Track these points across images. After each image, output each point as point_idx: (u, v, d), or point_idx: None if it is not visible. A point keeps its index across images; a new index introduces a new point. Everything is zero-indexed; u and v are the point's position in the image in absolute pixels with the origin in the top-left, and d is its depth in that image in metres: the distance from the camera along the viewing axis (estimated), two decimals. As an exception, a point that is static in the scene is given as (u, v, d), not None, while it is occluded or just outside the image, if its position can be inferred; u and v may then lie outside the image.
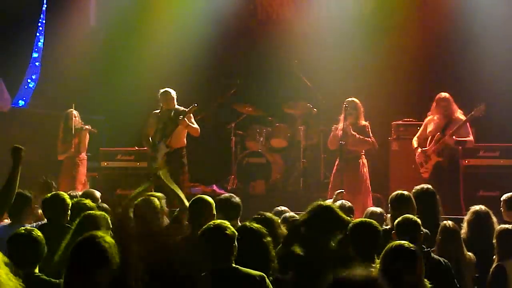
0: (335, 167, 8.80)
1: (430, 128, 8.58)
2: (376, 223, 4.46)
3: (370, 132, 8.74)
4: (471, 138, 8.45)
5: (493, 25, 10.37)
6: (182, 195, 5.62)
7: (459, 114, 8.43)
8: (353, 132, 8.62)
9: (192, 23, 11.57)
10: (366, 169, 8.74)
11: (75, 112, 9.48)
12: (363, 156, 8.77)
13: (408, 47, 10.83)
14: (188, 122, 8.66)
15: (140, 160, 10.12)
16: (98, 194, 6.60)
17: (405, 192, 5.75)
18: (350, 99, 8.82)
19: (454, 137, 8.31)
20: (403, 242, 3.83)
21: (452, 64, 10.82)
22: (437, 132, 8.46)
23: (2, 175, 6.22)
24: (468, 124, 8.40)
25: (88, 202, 5.41)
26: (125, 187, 10.09)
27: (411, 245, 3.80)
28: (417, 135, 8.77)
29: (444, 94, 8.53)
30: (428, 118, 8.67)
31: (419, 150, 8.59)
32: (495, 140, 9.23)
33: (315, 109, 9.07)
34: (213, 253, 3.96)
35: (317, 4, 11.79)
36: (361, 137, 8.64)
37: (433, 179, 8.25)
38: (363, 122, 8.79)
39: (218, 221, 4.19)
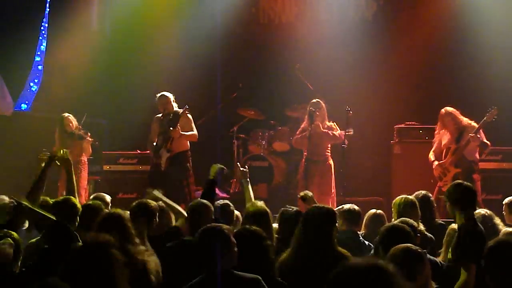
0: (301, 168, 9.16)
1: (444, 141, 8.51)
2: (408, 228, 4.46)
3: (338, 128, 9.09)
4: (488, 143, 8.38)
5: (498, 29, 10.36)
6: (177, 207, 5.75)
7: (468, 121, 8.36)
8: (324, 130, 8.99)
9: (194, 27, 11.58)
10: (333, 171, 9.06)
11: (71, 117, 9.37)
12: (330, 157, 9.09)
13: (410, 50, 10.84)
14: (180, 132, 8.58)
15: (142, 164, 10.12)
16: (108, 198, 6.57)
17: (411, 197, 5.79)
18: (315, 100, 9.18)
19: (478, 135, 8.18)
20: (409, 244, 3.85)
21: (455, 67, 10.81)
22: (451, 144, 8.39)
23: (5, 178, 6.24)
24: (482, 131, 8.30)
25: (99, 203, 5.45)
26: (127, 190, 10.10)
27: (418, 248, 3.83)
28: (432, 149, 8.71)
29: (445, 110, 8.47)
30: (441, 131, 8.59)
31: (436, 163, 8.52)
32: (498, 144, 9.22)
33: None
34: (208, 256, 3.92)
35: (319, 8, 11.80)
36: (332, 132, 9.03)
37: None
38: (328, 123, 9.15)
39: (214, 224, 4.16)
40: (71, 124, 9.32)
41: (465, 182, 5.22)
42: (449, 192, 5.06)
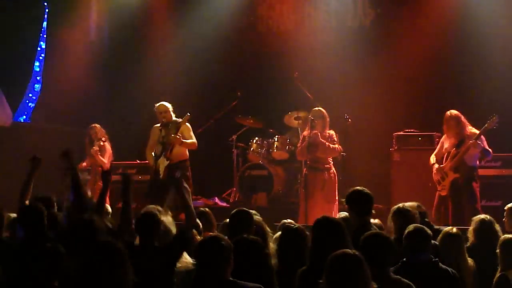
0: (303, 177, 9.07)
1: (446, 145, 8.49)
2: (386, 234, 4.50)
3: (336, 140, 9.00)
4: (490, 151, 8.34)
5: (496, 35, 10.37)
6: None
7: (472, 129, 8.31)
8: (322, 140, 8.86)
9: (193, 36, 11.61)
10: (336, 179, 8.98)
11: (97, 127, 9.56)
12: (332, 165, 9.03)
13: (408, 57, 10.84)
14: (181, 139, 8.58)
15: (142, 173, 10.11)
16: (109, 208, 6.52)
17: (407, 204, 5.80)
18: (316, 108, 9.12)
19: (479, 141, 8.14)
20: (346, 249, 3.76)
21: (454, 74, 10.82)
22: (452, 149, 8.37)
23: (5, 190, 6.24)
24: (483, 138, 8.28)
25: None
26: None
27: (355, 251, 3.72)
28: (434, 152, 8.69)
29: (450, 113, 8.39)
30: (444, 136, 8.58)
31: (436, 166, 8.49)
32: (497, 150, 9.21)
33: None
34: (209, 266, 3.88)
35: (317, 16, 11.83)
36: (330, 145, 8.90)
37: (451, 196, 8.26)
38: (329, 132, 9.04)
39: (214, 233, 4.15)
40: (94, 135, 9.51)
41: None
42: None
